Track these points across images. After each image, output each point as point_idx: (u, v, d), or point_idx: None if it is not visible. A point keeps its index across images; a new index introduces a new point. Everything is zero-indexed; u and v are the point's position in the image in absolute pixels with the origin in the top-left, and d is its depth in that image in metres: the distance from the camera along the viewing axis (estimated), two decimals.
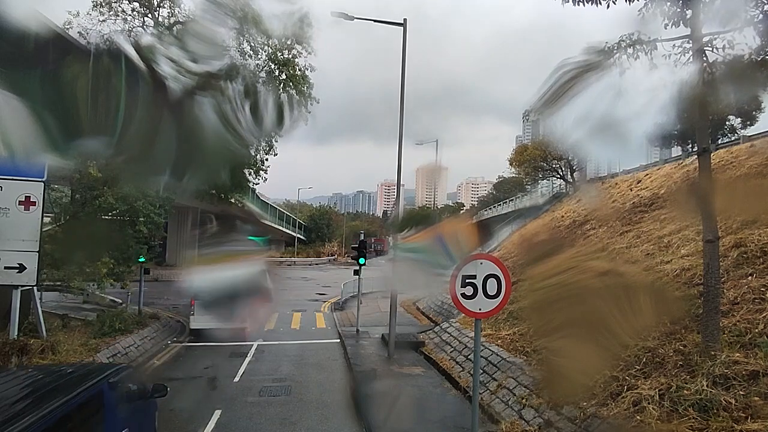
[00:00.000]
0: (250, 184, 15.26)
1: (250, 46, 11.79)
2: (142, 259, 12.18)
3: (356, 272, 13.45)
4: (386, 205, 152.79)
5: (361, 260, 12.75)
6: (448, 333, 11.46)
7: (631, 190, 18.90)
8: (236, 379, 8.85)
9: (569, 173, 28.25)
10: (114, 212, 9.75)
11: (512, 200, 47.62)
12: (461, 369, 9.13)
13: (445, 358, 10.07)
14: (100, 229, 9.97)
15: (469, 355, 9.46)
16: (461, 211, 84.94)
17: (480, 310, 4.16)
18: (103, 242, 10.03)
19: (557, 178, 29.25)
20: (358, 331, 13.12)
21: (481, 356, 9.25)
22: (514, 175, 36.54)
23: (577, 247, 14.02)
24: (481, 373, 8.51)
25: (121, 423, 4.20)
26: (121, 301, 15.15)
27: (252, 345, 11.46)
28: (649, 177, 19.44)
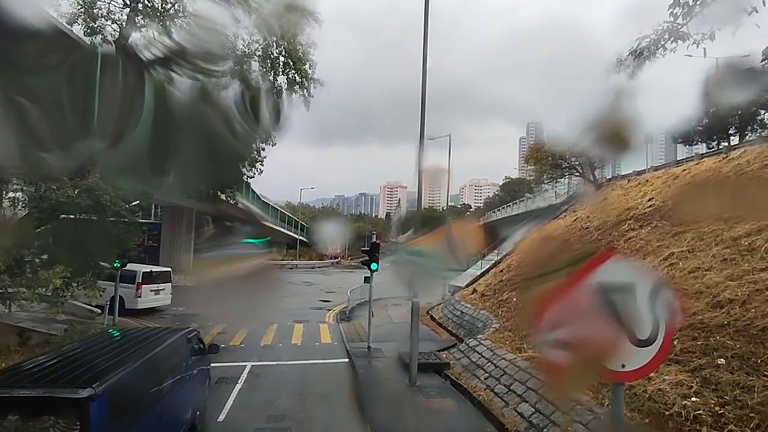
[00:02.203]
0: (245, 178, 13.50)
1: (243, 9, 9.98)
2: (116, 264, 10.43)
3: (367, 279, 11.61)
4: (389, 207, 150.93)
5: (374, 266, 10.92)
6: (478, 353, 9.63)
7: (669, 187, 16.94)
8: (221, 417, 7.04)
9: (590, 171, 26.39)
10: (77, 209, 7.98)
11: (523, 201, 45.89)
12: (503, 404, 7.27)
13: (479, 386, 8.23)
14: (60, 229, 8.22)
15: (512, 384, 7.62)
16: (467, 213, 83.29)
17: (624, 367, 2.34)
18: (62, 245, 8.34)
19: (577, 176, 27.39)
20: (369, 348, 11.30)
21: (527, 386, 7.42)
22: (530, 173, 34.62)
23: (621, 249, 12.13)
24: (533, 413, 6.67)
25: (193, 364, 6.21)
26: (100, 311, 13.37)
27: (244, 366, 9.66)
28: (688, 172, 17.49)
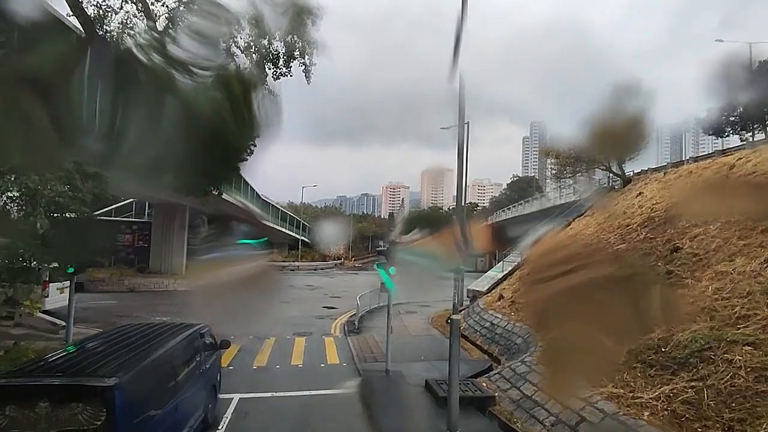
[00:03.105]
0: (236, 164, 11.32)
1: None
2: (70, 270, 8.32)
3: (387, 286, 9.35)
4: (391, 208, 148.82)
5: (393, 270, 8.71)
6: (532, 383, 7.43)
7: (727, 177, 14.58)
8: None
9: (617, 165, 24.11)
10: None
11: (536, 198, 43.74)
12: None
13: None
14: None
15: None
16: (474, 212, 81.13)
17: None
18: None
19: (602, 169, 25.12)
20: (387, 371, 9.09)
21: None
22: (550, 168, 32.34)
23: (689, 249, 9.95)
24: None
25: (206, 358, 6.45)
26: (63, 323, 11.25)
27: (230, 400, 7.48)
28: (747, 161, 15.20)
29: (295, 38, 10.17)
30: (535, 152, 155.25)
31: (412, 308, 18.88)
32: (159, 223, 26.10)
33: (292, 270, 41.83)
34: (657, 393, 5.78)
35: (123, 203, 33.73)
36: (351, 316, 16.24)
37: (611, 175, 27.56)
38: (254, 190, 33.09)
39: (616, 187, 26.72)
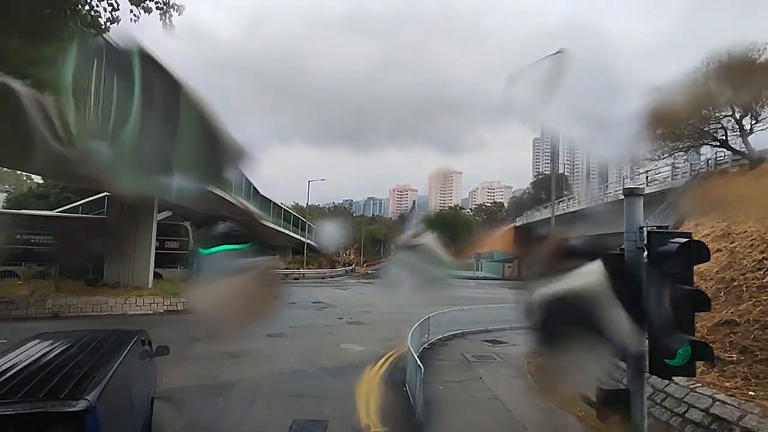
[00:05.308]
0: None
1: None
2: None
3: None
4: (399, 211, 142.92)
5: None
6: None
7: None
8: None
9: (742, 137, 17.42)
10: None
11: (584, 195, 37.25)
12: None
13: None
14: None
15: None
16: (498, 213, 75.03)
17: None
18: None
19: (714, 145, 18.48)
20: None
21: None
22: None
23: None
24: None
25: (147, 366, 5.66)
26: None
27: None
28: None
29: None
30: (546, 152, 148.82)
31: (476, 345, 12.27)
32: (116, 219, 19.66)
33: (296, 278, 35.27)
34: None
35: (93, 198, 27.63)
36: (390, 365, 9.70)
37: (719, 155, 20.87)
38: (253, 186, 26.92)
39: (730, 170, 19.87)
